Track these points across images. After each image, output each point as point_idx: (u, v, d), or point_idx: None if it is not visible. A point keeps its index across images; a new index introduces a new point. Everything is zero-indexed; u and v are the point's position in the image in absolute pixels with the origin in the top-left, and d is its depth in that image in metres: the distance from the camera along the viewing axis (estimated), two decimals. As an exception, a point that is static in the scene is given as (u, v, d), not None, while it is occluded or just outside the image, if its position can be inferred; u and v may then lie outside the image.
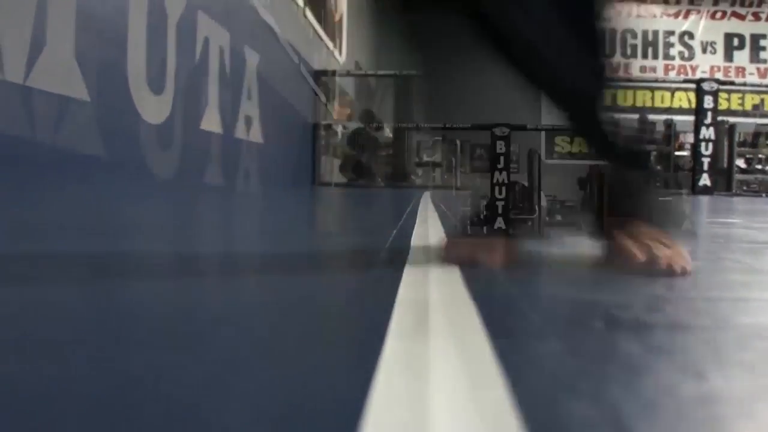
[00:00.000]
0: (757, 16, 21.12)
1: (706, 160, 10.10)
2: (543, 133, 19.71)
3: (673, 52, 21.16)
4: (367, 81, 15.26)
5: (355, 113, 12.09)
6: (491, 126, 10.93)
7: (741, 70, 21.06)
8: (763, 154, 12.60)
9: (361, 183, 10.43)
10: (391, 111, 10.74)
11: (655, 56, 21.17)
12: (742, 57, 21.17)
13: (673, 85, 19.31)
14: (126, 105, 4.36)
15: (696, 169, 10.16)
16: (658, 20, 21.13)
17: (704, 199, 7.73)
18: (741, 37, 21.17)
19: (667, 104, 20.67)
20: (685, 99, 17.55)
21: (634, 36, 21.16)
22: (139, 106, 4.50)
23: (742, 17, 21.19)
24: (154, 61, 4.70)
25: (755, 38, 21.12)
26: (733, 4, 21.15)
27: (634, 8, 21.12)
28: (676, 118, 14.12)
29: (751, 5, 21.15)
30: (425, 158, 11.61)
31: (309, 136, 10.02)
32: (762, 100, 20.80)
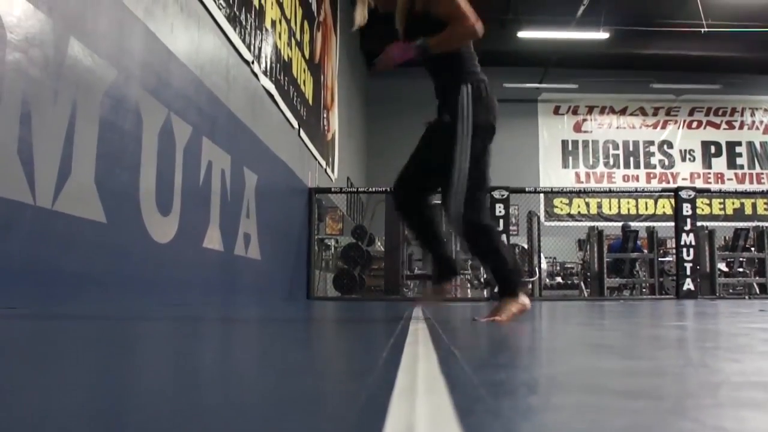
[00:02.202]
0: (730, 125, 22.00)
1: (688, 265, 10.35)
2: (542, 196, 20.16)
3: (654, 160, 21.89)
4: (358, 196, 15.66)
5: (347, 228, 12.40)
6: (490, 189, 11.66)
7: (720, 176, 21.74)
8: (743, 257, 12.87)
9: (354, 297, 10.58)
10: (382, 226, 11.03)
11: (637, 165, 21.90)
12: (719, 163, 21.91)
13: (655, 193, 19.89)
14: (137, 226, 4.63)
15: (679, 274, 10.39)
16: (638, 131, 21.98)
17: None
18: (717, 145, 21.99)
19: (651, 211, 21.19)
20: (668, 205, 18.01)
21: (616, 147, 21.96)
22: (149, 227, 4.76)
23: (717, 126, 22.07)
24: (162, 184, 5.00)
25: (731, 145, 21.94)
26: (707, 114, 22.06)
27: (615, 120, 21.99)
28: (661, 224, 14.50)
29: (724, 114, 22.06)
30: (417, 271, 11.81)
31: (303, 251, 10.26)
32: (742, 204, 21.39)
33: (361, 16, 3.28)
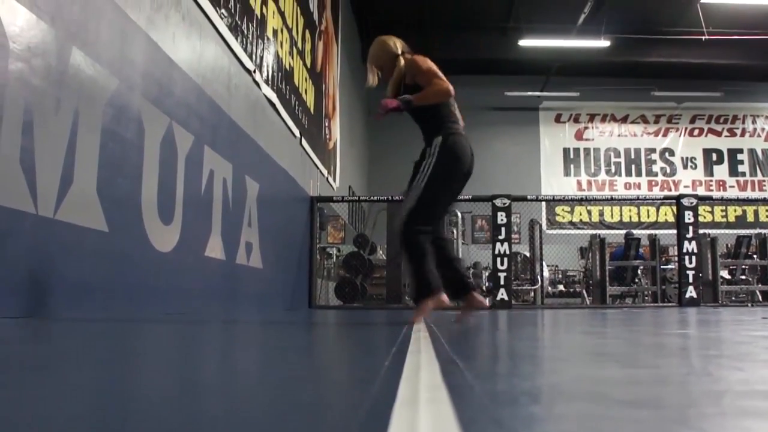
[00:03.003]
0: (732, 132, 22.01)
1: (690, 273, 10.32)
2: (543, 204, 20.13)
3: (656, 168, 21.90)
4: (360, 205, 15.66)
5: (348, 237, 12.40)
6: (492, 197, 11.70)
7: (721, 184, 21.74)
8: (746, 265, 12.84)
9: (356, 305, 10.57)
10: (384, 234, 11.02)
11: (639, 173, 21.89)
12: (721, 171, 21.91)
13: (657, 201, 19.88)
14: (139, 235, 4.63)
15: (682, 282, 10.36)
16: (639, 139, 21.99)
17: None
18: (719, 152, 21.99)
19: (652, 219, 21.18)
20: (670, 213, 18.00)
21: (618, 155, 21.97)
22: (150, 236, 4.76)
23: (718, 133, 22.07)
24: (164, 193, 5.01)
25: (732, 153, 21.94)
26: (709, 121, 22.08)
27: (616, 128, 22.02)
28: (663, 232, 14.48)
29: (725, 122, 22.07)
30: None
31: (305, 260, 10.26)
32: (744, 212, 21.38)
33: (372, 79, 4.31)
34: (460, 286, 4.06)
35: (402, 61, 4.13)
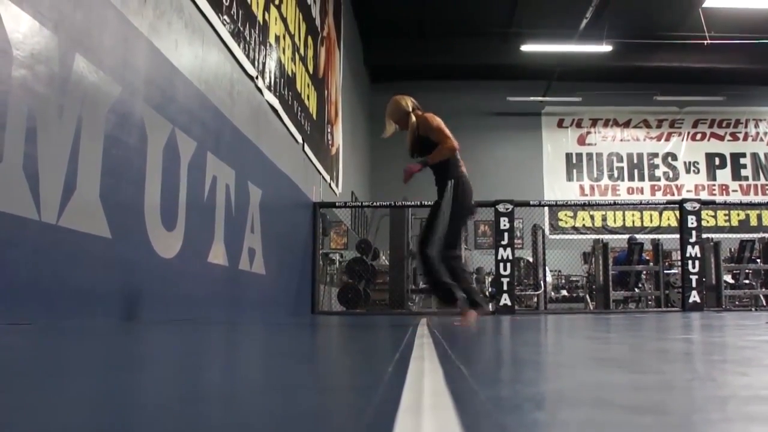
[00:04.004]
0: (734, 136, 21.97)
1: (694, 277, 10.30)
2: (546, 209, 20.10)
3: (659, 173, 21.87)
4: (363, 210, 15.66)
5: (351, 242, 12.40)
6: (494, 203, 11.84)
7: (724, 188, 21.71)
8: (749, 269, 12.82)
9: (359, 311, 10.56)
10: (387, 240, 11.02)
11: (642, 178, 21.86)
12: (724, 175, 21.88)
13: (660, 206, 19.85)
14: (142, 241, 4.63)
15: (685, 287, 10.34)
16: (642, 143, 21.97)
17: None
18: (722, 157, 21.96)
19: (655, 223, 21.15)
20: (673, 218, 17.96)
21: (620, 159, 21.94)
22: (153, 242, 4.77)
23: (721, 137, 22.04)
24: (167, 199, 5.01)
25: (735, 157, 21.91)
26: (711, 125, 22.06)
27: (618, 133, 22.01)
28: (666, 236, 14.45)
29: (728, 126, 22.05)
30: (422, 285, 11.78)
31: (308, 266, 10.25)
32: (747, 216, 21.34)
33: (389, 131, 5.22)
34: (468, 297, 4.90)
35: (413, 118, 5.09)
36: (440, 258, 4.87)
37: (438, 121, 4.97)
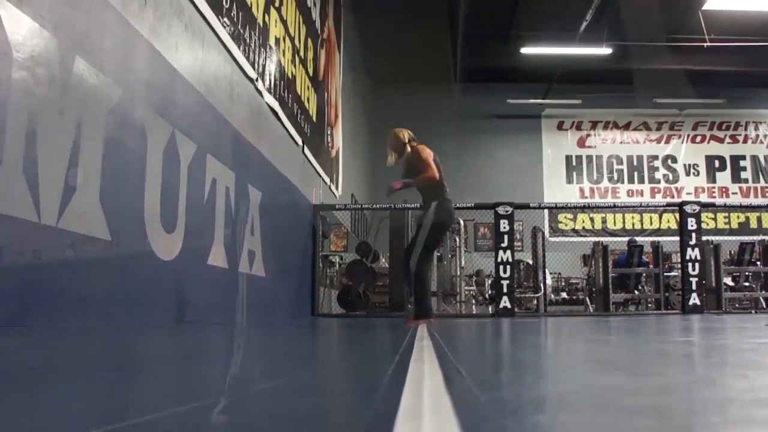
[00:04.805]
0: (734, 139, 21.98)
1: (693, 280, 10.29)
2: (546, 211, 20.11)
3: (658, 175, 21.87)
4: (363, 213, 15.65)
5: (351, 245, 12.39)
6: (494, 205, 11.90)
7: (724, 190, 21.71)
8: (749, 271, 12.81)
9: (359, 313, 10.55)
10: (386, 242, 11.01)
11: (641, 180, 21.86)
12: (724, 177, 21.88)
13: (660, 208, 19.85)
14: (142, 243, 4.63)
15: (685, 289, 10.33)
16: (642, 146, 21.97)
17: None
18: (722, 159, 21.96)
19: (655, 226, 21.15)
20: (672, 220, 17.95)
21: (620, 162, 21.95)
22: (153, 244, 4.76)
23: (720, 140, 22.05)
24: (167, 202, 5.01)
25: (735, 159, 21.91)
26: (711, 128, 22.06)
27: (618, 135, 22.01)
28: (666, 239, 14.45)
29: (728, 129, 22.06)
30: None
31: (307, 268, 10.25)
32: (747, 218, 21.34)
33: (390, 159, 6.08)
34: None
35: (408, 149, 5.96)
36: (415, 262, 5.73)
37: (427, 153, 5.83)
